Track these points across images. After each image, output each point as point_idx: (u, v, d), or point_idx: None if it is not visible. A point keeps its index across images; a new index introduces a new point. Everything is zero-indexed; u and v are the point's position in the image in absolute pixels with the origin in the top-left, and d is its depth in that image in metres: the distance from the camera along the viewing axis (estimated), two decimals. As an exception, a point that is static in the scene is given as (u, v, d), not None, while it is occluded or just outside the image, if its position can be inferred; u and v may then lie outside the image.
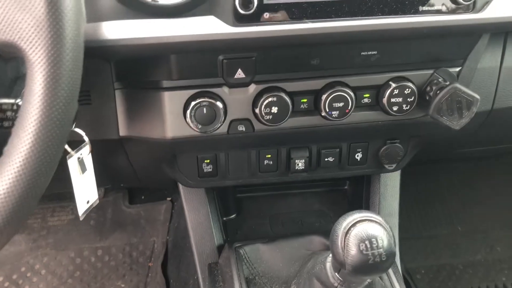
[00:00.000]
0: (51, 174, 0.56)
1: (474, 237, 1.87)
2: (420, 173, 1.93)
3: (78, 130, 0.83)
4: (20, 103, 0.66)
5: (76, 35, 0.53)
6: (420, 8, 0.82)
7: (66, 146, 0.82)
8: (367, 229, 0.69)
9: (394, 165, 1.10)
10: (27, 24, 0.49)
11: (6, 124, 0.69)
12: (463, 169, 1.98)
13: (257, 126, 0.94)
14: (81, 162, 0.86)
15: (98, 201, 0.94)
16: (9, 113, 0.68)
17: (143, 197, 1.96)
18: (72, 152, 0.84)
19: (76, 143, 0.87)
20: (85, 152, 0.86)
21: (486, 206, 1.95)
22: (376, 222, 0.70)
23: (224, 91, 0.90)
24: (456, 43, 0.93)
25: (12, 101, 0.68)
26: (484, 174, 1.99)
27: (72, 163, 0.84)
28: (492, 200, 1.97)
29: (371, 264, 0.68)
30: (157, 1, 0.76)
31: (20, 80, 0.78)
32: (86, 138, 0.84)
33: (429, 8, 0.83)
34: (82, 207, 0.89)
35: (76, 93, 0.55)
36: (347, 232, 0.70)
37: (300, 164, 1.06)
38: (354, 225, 0.70)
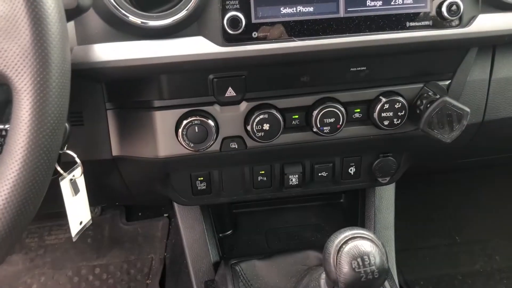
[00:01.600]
0: (40, 199, 0.56)
1: (473, 247, 1.86)
2: (417, 184, 1.93)
3: (70, 152, 0.84)
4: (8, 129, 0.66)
5: (62, 61, 0.53)
6: (407, 24, 0.83)
7: (58, 168, 0.82)
8: (359, 246, 0.69)
9: (387, 179, 1.10)
10: (12, 52, 0.50)
11: (-5, 149, 0.69)
12: (460, 179, 1.98)
13: (250, 143, 0.95)
14: (73, 183, 0.86)
15: (91, 222, 0.94)
16: (-2, 139, 0.69)
17: (140, 214, 1.96)
18: (65, 174, 0.84)
19: (69, 164, 0.87)
20: (78, 174, 0.86)
21: (484, 216, 1.95)
22: (368, 239, 0.70)
23: (215, 109, 0.91)
24: (445, 57, 0.94)
25: (0, 126, 0.69)
26: (481, 184, 1.99)
27: (65, 185, 0.85)
28: (490, 210, 1.96)
29: (364, 281, 0.68)
30: (147, 22, 0.77)
31: (12, 103, 0.78)
32: (78, 160, 0.85)
33: (416, 24, 0.83)
34: (75, 228, 0.89)
35: (64, 118, 0.56)
36: (339, 250, 0.69)
37: (294, 179, 1.06)
38: (346, 242, 0.70)
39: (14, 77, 0.51)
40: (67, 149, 0.85)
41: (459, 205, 1.98)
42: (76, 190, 0.87)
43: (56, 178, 0.85)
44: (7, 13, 0.50)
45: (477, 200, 1.98)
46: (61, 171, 0.83)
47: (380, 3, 0.82)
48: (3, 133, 0.69)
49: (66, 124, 0.79)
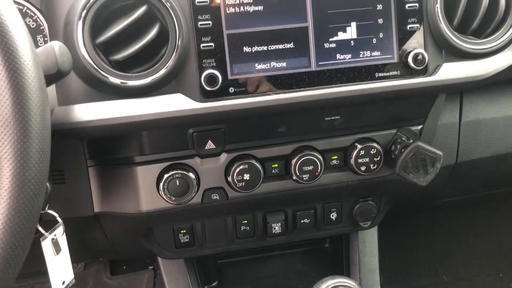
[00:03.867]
0: (20, 264, 0.56)
1: (459, 285, 1.86)
2: (401, 223, 1.94)
3: (51, 211, 0.84)
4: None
5: (42, 127, 0.55)
6: (376, 75, 0.87)
7: (40, 228, 0.82)
8: (341, 295, 0.69)
9: (369, 223, 1.11)
10: (-7, 121, 0.52)
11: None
12: (444, 217, 1.99)
13: (231, 193, 0.96)
14: (55, 243, 0.86)
15: (74, 281, 0.92)
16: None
17: (125, 267, 1.92)
18: (46, 234, 0.83)
19: (50, 223, 0.87)
20: (59, 233, 0.86)
21: (469, 253, 1.96)
22: (349, 287, 0.70)
23: (196, 161, 0.93)
24: (415, 103, 0.98)
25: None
26: (465, 221, 2.01)
27: (46, 245, 0.84)
28: (475, 247, 1.98)
29: (348, 330, 0.68)
30: (126, 83, 0.80)
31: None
32: (59, 219, 0.85)
33: (385, 74, 0.88)
34: (57, 288, 0.88)
35: (44, 183, 0.57)
36: (321, 300, 0.70)
37: (276, 227, 1.07)
38: (328, 291, 0.71)
39: (-5, 145, 0.52)
40: (48, 208, 0.85)
41: (444, 243, 1.99)
42: (58, 249, 0.86)
43: (37, 238, 0.85)
44: (-11, 83, 0.52)
45: (462, 237, 2.00)
46: (43, 231, 0.83)
47: (349, 56, 0.86)
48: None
49: (47, 184, 0.79)
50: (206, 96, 0.82)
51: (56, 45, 0.66)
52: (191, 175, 0.91)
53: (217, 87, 0.82)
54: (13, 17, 0.56)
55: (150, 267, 1.89)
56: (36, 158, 0.54)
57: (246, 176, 0.93)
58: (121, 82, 0.79)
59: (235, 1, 0.82)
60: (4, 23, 0.54)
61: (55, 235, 0.85)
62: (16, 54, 0.53)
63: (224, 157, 0.93)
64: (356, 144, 0.97)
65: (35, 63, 0.56)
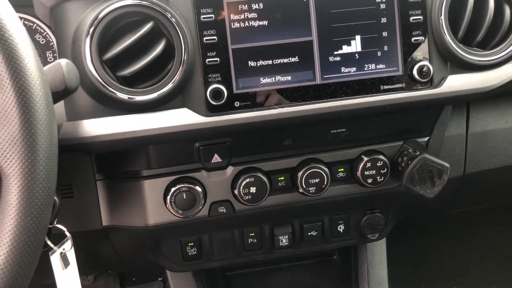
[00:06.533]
0: (28, 278, 0.57)
1: (472, 297, 1.84)
2: (411, 233, 1.92)
3: (60, 226, 0.85)
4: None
5: (49, 145, 0.56)
6: (381, 87, 0.87)
7: (49, 242, 0.83)
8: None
9: (376, 235, 1.11)
10: (2, 139, 0.53)
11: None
12: (455, 227, 1.97)
13: (238, 206, 0.96)
14: (63, 257, 0.86)
15: (82, 295, 0.93)
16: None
17: (134, 279, 1.93)
18: (55, 248, 0.84)
19: (59, 237, 0.88)
20: (68, 247, 0.87)
21: (481, 263, 1.93)
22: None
23: (202, 175, 0.93)
24: (421, 115, 0.98)
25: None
26: (476, 231, 1.99)
27: (55, 259, 0.85)
28: (487, 257, 1.95)
29: None
30: (134, 98, 0.80)
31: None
32: (67, 233, 0.86)
33: (390, 87, 0.88)
34: (66, 302, 0.89)
35: (51, 198, 0.58)
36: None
37: (284, 240, 1.07)
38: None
39: (4, 163, 0.53)
40: (57, 222, 0.86)
41: (456, 254, 1.97)
42: (66, 263, 0.87)
43: (46, 252, 0.86)
44: (-1, 104, 0.53)
45: (473, 247, 1.98)
46: (51, 245, 0.84)
47: (354, 69, 0.86)
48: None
49: (56, 198, 0.80)
50: (212, 110, 0.83)
51: (64, 63, 0.67)
52: (198, 188, 0.92)
53: (223, 101, 0.82)
54: (22, 38, 0.57)
55: (160, 279, 1.89)
56: (43, 175, 0.55)
57: (253, 189, 0.93)
58: (129, 98, 0.80)
59: (240, 16, 0.83)
60: (13, 43, 0.55)
61: (63, 249, 0.86)
62: (24, 74, 0.55)
63: (230, 170, 0.94)
64: (363, 156, 0.96)
65: (42, 82, 0.57)
